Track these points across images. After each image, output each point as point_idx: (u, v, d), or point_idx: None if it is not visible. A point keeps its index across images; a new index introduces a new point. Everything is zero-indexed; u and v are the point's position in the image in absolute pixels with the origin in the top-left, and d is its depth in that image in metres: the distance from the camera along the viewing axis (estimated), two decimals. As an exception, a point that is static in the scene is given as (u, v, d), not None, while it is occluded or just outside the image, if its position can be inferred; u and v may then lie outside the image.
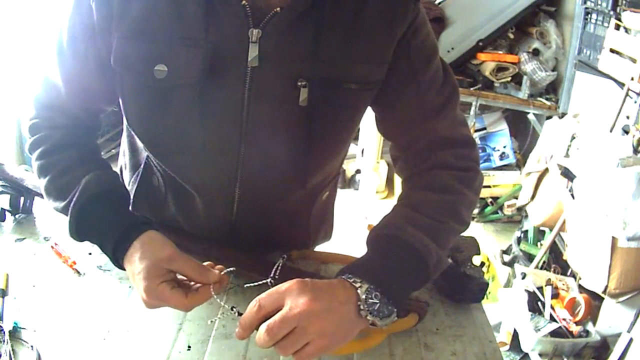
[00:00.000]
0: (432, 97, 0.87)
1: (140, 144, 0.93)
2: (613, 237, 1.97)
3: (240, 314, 0.70)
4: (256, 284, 0.83)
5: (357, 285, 0.71)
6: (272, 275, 0.83)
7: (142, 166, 0.97)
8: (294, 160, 0.86)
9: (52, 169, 0.87)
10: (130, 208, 0.87)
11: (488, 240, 3.20)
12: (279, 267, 0.86)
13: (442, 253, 0.80)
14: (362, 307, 0.71)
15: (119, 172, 1.08)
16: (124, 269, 0.78)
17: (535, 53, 3.09)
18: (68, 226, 0.82)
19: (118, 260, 0.78)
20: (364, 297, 0.71)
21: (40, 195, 0.98)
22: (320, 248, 1.15)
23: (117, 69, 0.80)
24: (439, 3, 3.22)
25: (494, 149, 3.40)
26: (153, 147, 0.88)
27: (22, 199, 1.09)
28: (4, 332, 0.78)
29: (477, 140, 3.35)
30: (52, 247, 0.99)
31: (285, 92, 0.80)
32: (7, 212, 1.08)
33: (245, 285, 0.86)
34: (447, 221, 0.83)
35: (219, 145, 0.83)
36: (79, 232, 0.82)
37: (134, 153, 1.00)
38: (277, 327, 0.66)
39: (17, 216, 1.09)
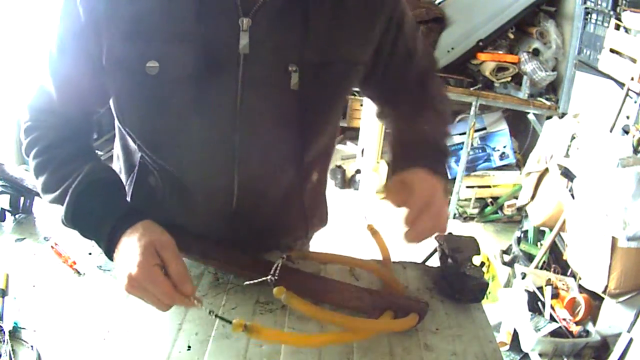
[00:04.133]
0: (414, 44, 0.97)
1: (133, 146, 0.93)
2: (613, 237, 1.97)
3: (217, 316, 0.73)
4: (256, 281, 0.84)
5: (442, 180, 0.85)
6: (271, 273, 0.83)
7: (136, 167, 0.97)
8: (288, 141, 0.89)
9: (51, 164, 0.87)
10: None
11: (488, 240, 3.20)
12: (279, 267, 0.86)
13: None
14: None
15: None
16: (112, 258, 0.77)
17: (535, 53, 3.09)
18: (63, 210, 0.82)
19: (114, 240, 0.77)
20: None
21: (40, 196, 0.97)
22: (320, 248, 1.15)
23: (110, 70, 0.81)
24: (439, 3, 3.22)
25: (494, 149, 3.40)
26: (149, 144, 0.88)
27: (22, 199, 1.09)
28: (4, 332, 0.78)
29: (477, 141, 3.37)
30: (52, 247, 0.98)
31: (277, 78, 0.83)
32: (7, 212, 1.08)
33: (245, 283, 0.87)
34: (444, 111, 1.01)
35: (215, 135, 0.85)
36: (74, 215, 0.82)
37: (128, 156, 1.00)
38: (442, 215, 0.81)
39: (17, 216, 1.09)
